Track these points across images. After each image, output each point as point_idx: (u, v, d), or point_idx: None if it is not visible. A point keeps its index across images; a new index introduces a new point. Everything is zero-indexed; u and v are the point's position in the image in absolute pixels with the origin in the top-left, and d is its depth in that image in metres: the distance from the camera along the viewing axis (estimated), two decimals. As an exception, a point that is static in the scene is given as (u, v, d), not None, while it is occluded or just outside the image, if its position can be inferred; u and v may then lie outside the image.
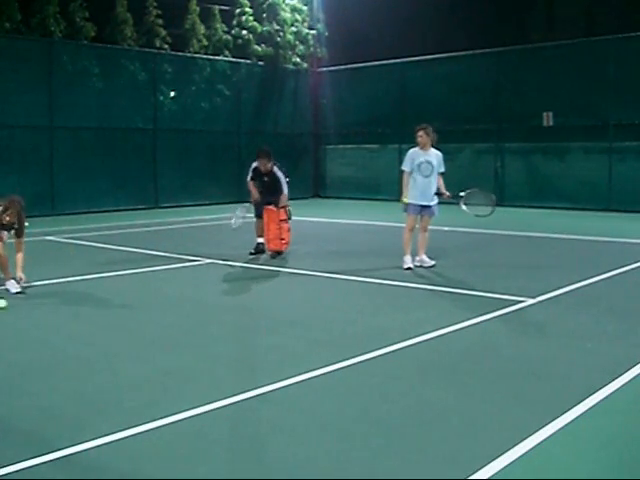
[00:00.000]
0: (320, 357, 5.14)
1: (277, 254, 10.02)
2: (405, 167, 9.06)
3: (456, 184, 21.11)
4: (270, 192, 10.22)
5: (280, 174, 10.25)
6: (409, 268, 8.81)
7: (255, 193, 10.37)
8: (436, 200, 9.00)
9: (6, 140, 16.18)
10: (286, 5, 22.25)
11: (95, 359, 5.23)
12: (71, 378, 4.81)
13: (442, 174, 9.09)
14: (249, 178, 10.48)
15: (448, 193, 8.97)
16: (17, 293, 7.51)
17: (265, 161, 10.18)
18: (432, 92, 20.56)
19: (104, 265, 9.52)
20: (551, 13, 26.66)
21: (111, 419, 4.00)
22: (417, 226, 9.11)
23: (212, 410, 4.12)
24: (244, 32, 21.61)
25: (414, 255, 9.05)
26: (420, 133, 9.04)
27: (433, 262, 8.97)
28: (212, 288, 8.10)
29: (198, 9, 21.38)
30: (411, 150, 9.12)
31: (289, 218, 10.21)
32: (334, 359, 5.06)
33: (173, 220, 15.85)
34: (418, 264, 9.01)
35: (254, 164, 10.40)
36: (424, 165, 8.89)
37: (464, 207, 8.97)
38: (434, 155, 9.05)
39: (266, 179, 10.27)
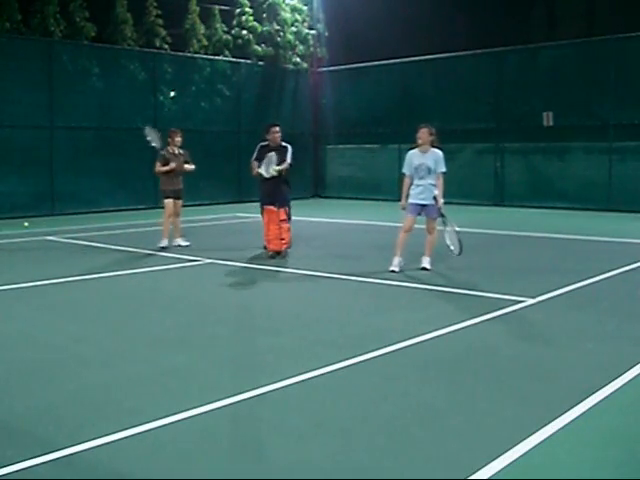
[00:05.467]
0: (320, 357, 5.14)
1: (277, 254, 10.02)
2: (405, 170, 8.98)
3: (456, 184, 21.08)
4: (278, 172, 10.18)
5: (288, 144, 10.35)
6: (393, 271, 8.60)
7: (256, 170, 10.32)
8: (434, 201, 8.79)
9: (6, 140, 16.19)
10: (286, 5, 22.26)
11: (95, 359, 5.23)
12: (71, 378, 4.81)
13: (443, 174, 8.84)
14: (253, 158, 10.45)
15: (441, 203, 8.73)
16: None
17: (277, 129, 10.32)
18: (432, 92, 20.58)
19: (104, 265, 9.52)
20: (552, 13, 26.66)
21: (111, 419, 4.00)
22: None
23: (212, 410, 4.12)
24: (244, 32, 21.62)
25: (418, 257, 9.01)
26: (423, 130, 8.84)
27: (427, 266, 8.81)
28: (212, 288, 8.10)
29: (198, 9, 21.39)
30: (409, 152, 8.99)
31: (289, 219, 10.21)
32: (334, 359, 5.06)
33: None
34: (422, 266, 8.86)
35: (260, 144, 10.46)
36: (420, 168, 8.76)
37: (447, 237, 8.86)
38: (431, 156, 8.81)
39: (273, 153, 10.26)
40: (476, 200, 19.29)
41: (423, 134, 8.84)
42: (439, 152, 8.89)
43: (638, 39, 17.26)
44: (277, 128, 10.38)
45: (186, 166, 11.17)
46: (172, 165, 10.87)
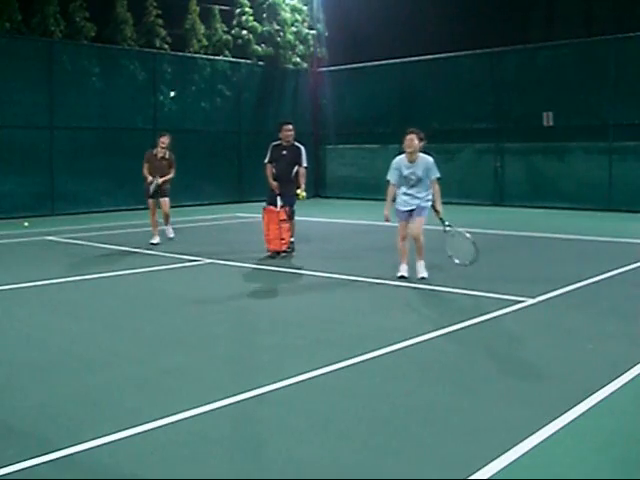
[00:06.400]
0: (320, 357, 5.14)
1: (277, 254, 10.02)
2: (391, 178, 8.33)
3: (456, 184, 20.99)
4: (289, 171, 10.20)
5: (301, 145, 10.35)
6: (402, 277, 8.18)
7: (272, 182, 10.28)
8: (426, 204, 8.22)
9: (6, 140, 16.19)
10: (286, 5, 22.27)
11: (95, 359, 5.23)
12: (71, 378, 4.81)
13: (438, 179, 8.25)
14: (266, 160, 10.42)
15: (440, 211, 8.27)
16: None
17: (291, 127, 10.28)
18: (432, 92, 20.58)
19: (104, 265, 9.53)
20: (551, 13, 26.65)
21: (111, 419, 4.00)
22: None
23: (212, 410, 4.12)
24: (244, 32, 21.63)
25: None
26: (411, 137, 8.13)
27: (424, 274, 8.22)
28: (212, 288, 8.10)
29: (198, 9, 21.43)
30: (397, 159, 8.33)
31: (291, 218, 10.23)
32: (334, 359, 5.06)
33: (173, 220, 15.81)
34: (420, 276, 8.24)
35: (272, 144, 10.44)
36: (409, 177, 8.16)
37: (448, 250, 8.38)
38: (421, 164, 8.17)
39: (285, 152, 10.25)
40: (476, 200, 19.29)
41: (411, 141, 8.13)
42: (429, 158, 8.26)
43: (638, 39, 17.26)
44: (290, 126, 10.30)
45: (164, 178, 11.51)
46: (150, 179, 11.45)
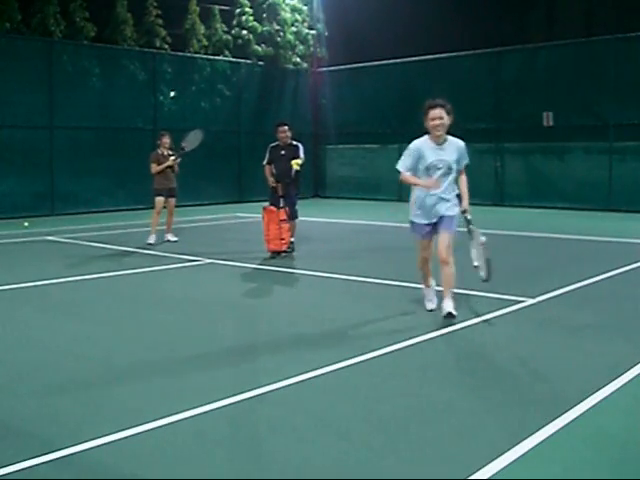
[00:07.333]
0: (320, 357, 5.14)
1: (277, 254, 10.02)
2: (400, 167, 6.30)
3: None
4: (289, 169, 10.22)
5: (299, 144, 10.40)
6: (433, 310, 6.51)
7: (274, 183, 10.29)
8: (455, 209, 6.29)
9: (6, 140, 16.21)
10: (286, 5, 22.28)
11: (95, 359, 5.23)
12: (71, 378, 4.81)
13: (466, 166, 6.48)
14: (265, 162, 10.46)
15: (467, 204, 6.37)
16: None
17: (286, 128, 10.34)
18: (432, 92, 20.46)
19: (104, 265, 9.53)
20: (551, 13, 26.67)
21: (111, 419, 4.00)
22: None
23: (212, 410, 4.12)
24: (244, 32, 21.65)
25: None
26: (437, 111, 5.97)
27: (453, 311, 6.12)
28: (212, 288, 8.10)
29: (198, 9, 21.46)
30: (416, 143, 6.19)
31: (294, 218, 10.25)
32: (334, 359, 5.06)
33: (173, 220, 15.83)
34: (447, 311, 6.17)
35: (270, 145, 10.50)
36: (434, 167, 6.15)
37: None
38: (453, 147, 6.20)
39: (284, 152, 10.29)
40: (476, 200, 19.10)
41: (439, 113, 5.97)
42: (460, 141, 6.34)
43: (638, 39, 17.27)
44: (285, 127, 10.36)
45: (171, 159, 11.56)
46: (168, 163, 11.42)
